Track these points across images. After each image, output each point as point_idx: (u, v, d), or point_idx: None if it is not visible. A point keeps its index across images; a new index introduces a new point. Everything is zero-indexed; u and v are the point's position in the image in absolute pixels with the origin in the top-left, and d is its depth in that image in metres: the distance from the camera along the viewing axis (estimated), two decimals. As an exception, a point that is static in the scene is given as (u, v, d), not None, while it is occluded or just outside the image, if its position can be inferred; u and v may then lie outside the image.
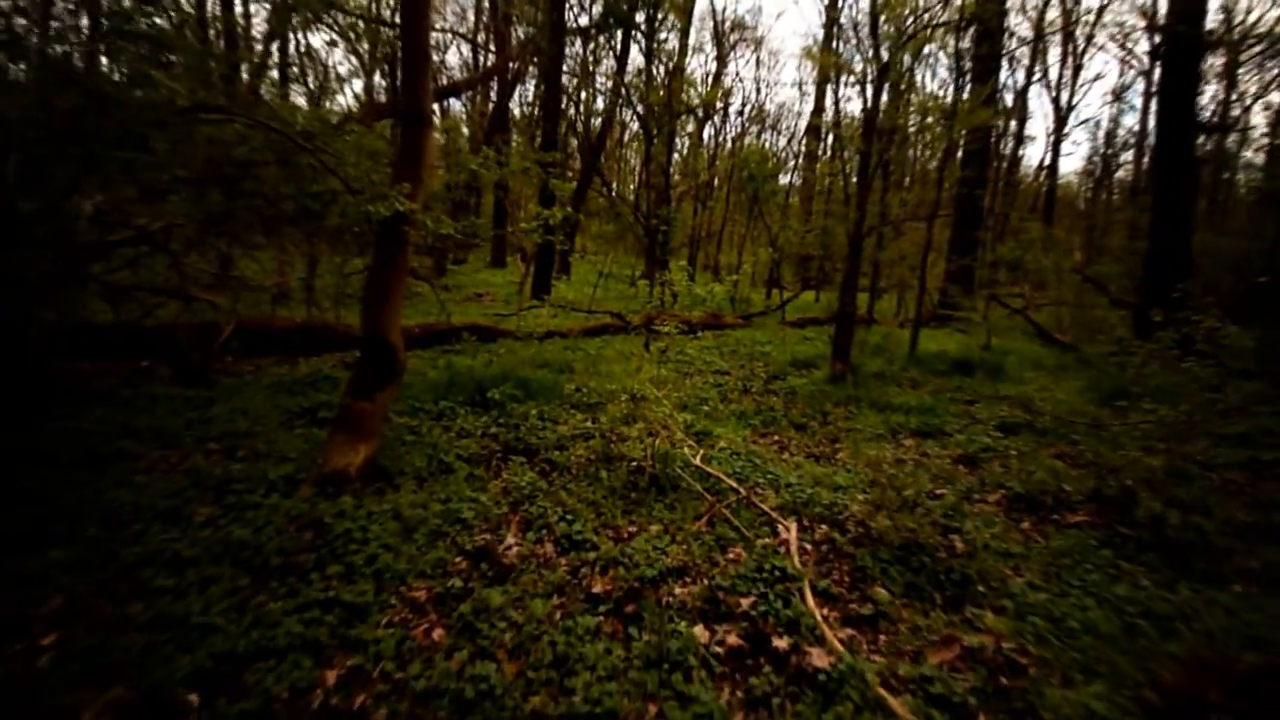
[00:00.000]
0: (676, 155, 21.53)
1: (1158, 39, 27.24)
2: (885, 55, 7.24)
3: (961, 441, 5.80)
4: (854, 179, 8.34)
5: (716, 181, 21.59)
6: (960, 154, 13.75)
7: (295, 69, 15.38)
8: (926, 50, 7.87)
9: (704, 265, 23.20)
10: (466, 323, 9.86)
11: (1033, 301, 12.90)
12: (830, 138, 24.86)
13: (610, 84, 16.89)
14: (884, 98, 7.48)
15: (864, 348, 9.92)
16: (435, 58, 25.16)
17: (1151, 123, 31.50)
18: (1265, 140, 20.87)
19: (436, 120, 17.31)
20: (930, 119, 7.63)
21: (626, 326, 9.63)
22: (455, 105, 26.86)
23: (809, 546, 3.48)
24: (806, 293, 17.98)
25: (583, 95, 16.93)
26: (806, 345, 10.64)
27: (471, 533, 3.35)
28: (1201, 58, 9.60)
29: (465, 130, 23.07)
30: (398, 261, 4.17)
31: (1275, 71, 23.47)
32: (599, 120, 18.77)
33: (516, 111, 26.47)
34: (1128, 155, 32.65)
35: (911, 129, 7.63)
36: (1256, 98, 22.76)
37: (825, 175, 17.19)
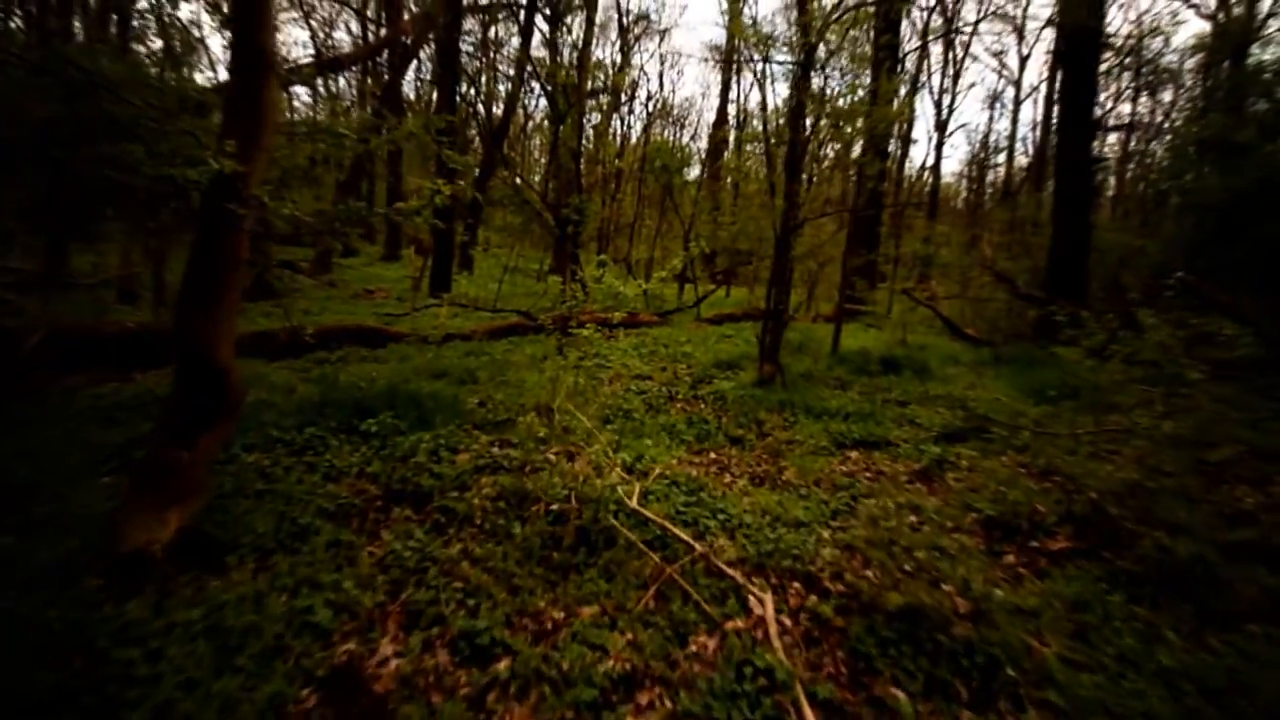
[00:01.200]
0: (585, 144, 20.53)
1: (1025, 50, 28.59)
2: (812, 35, 6.60)
3: (910, 453, 5.24)
4: (778, 169, 7.68)
5: (625, 174, 20.75)
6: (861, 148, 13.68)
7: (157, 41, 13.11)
8: (850, 34, 7.26)
9: (614, 259, 22.33)
10: (352, 325, 8.53)
11: (937, 295, 12.89)
12: (734, 134, 24.60)
13: (513, 66, 15.66)
14: (812, 80, 6.86)
15: (785, 346, 9.38)
16: (319, 33, 22.83)
17: (1021, 129, 33.37)
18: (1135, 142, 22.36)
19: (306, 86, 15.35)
20: (854, 105, 7.06)
21: (537, 327, 8.61)
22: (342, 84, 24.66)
23: (786, 620, 2.68)
24: (715, 288, 17.46)
25: (483, 78, 15.59)
26: (727, 344, 10.00)
27: (328, 642, 2.32)
28: (1100, 56, 9.68)
29: (354, 113, 21.05)
30: (229, 252, 3.02)
31: (1128, 80, 25.29)
32: (502, 105, 17.46)
33: (412, 94, 24.58)
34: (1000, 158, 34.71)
35: (838, 113, 7.03)
36: (1114, 101, 24.50)
37: (732, 169, 16.71)
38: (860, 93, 7.99)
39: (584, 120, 12.38)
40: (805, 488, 4.43)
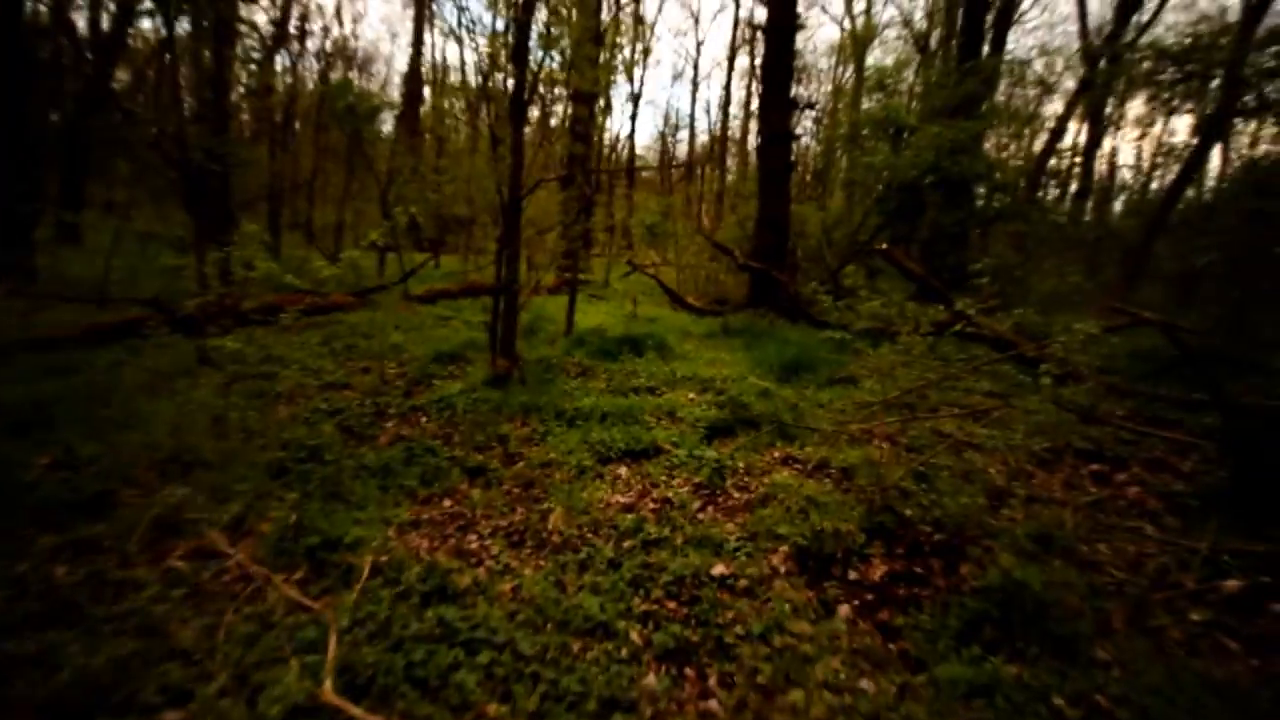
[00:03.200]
0: (243, 83, 16.14)
1: (701, 36, 30.81)
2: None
3: (684, 460, 4.40)
4: (495, 116, 6.28)
5: (301, 119, 16.90)
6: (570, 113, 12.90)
7: None
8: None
9: (291, 224, 18.36)
10: None
11: (658, 264, 12.76)
12: (433, 82, 21.96)
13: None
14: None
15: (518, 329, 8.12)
16: None
17: (699, 108, 36.26)
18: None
19: None
20: (584, 46, 5.95)
21: (170, 321, 5.97)
22: None
23: None
24: (426, 260, 15.19)
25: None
26: (447, 329, 8.36)
27: None
28: (795, 34, 10.01)
29: None
30: None
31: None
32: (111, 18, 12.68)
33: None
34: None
35: (564, 56, 5.86)
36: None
37: (434, 120, 14.55)
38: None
39: (231, 28, 9.25)
40: (582, 540, 3.28)
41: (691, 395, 6.00)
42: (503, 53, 5.59)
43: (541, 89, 6.32)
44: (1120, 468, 4.40)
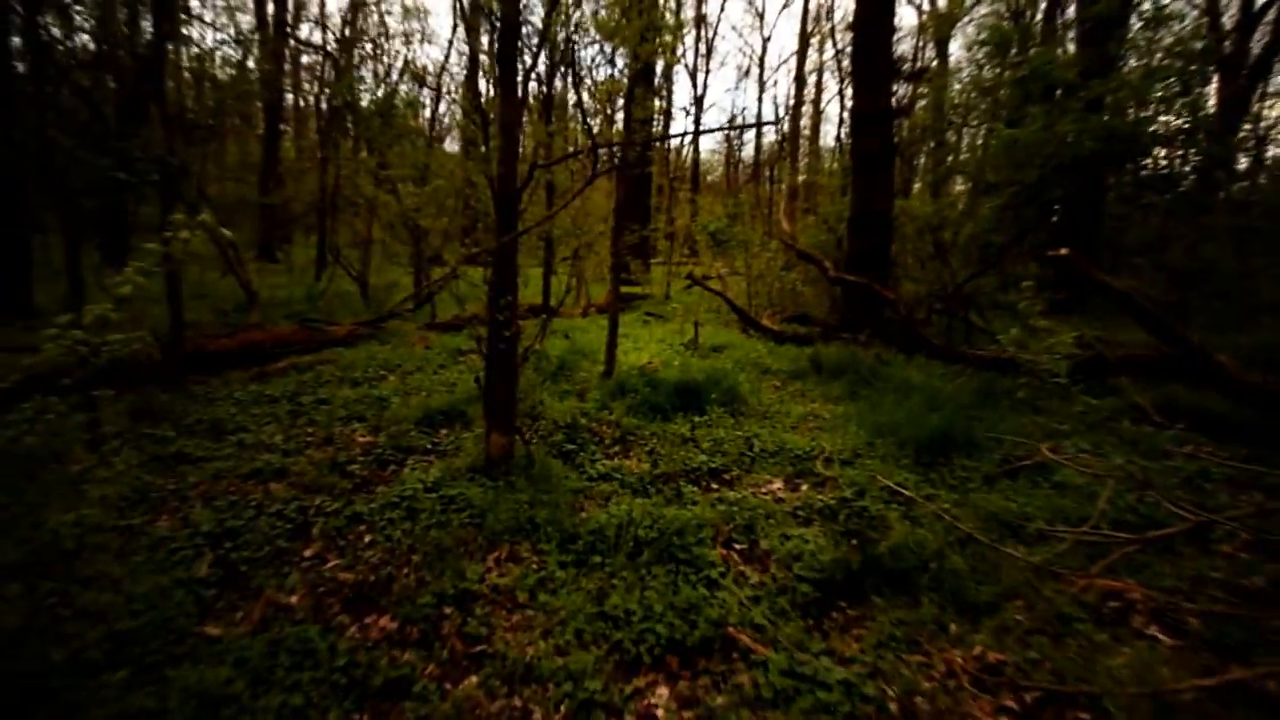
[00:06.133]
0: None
1: (767, 32, 28.36)
2: None
3: (775, 677, 2.24)
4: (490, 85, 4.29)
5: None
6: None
7: None
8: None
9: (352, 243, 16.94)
10: None
11: (725, 278, 10.53)
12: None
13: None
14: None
15: (540, 365, 6.14)
16: None
17: (766, 108, 33.78)
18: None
19: None
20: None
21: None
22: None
23: None
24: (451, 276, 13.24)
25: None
26: (456, 370, 6.45)
27: None
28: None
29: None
30: None
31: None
32: None
33: None
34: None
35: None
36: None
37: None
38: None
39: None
40: None
41: (778, 488, 3.82)
42: None
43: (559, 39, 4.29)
44: None
